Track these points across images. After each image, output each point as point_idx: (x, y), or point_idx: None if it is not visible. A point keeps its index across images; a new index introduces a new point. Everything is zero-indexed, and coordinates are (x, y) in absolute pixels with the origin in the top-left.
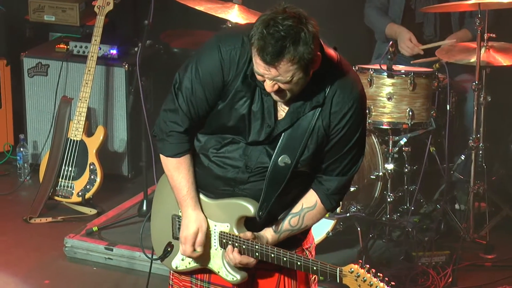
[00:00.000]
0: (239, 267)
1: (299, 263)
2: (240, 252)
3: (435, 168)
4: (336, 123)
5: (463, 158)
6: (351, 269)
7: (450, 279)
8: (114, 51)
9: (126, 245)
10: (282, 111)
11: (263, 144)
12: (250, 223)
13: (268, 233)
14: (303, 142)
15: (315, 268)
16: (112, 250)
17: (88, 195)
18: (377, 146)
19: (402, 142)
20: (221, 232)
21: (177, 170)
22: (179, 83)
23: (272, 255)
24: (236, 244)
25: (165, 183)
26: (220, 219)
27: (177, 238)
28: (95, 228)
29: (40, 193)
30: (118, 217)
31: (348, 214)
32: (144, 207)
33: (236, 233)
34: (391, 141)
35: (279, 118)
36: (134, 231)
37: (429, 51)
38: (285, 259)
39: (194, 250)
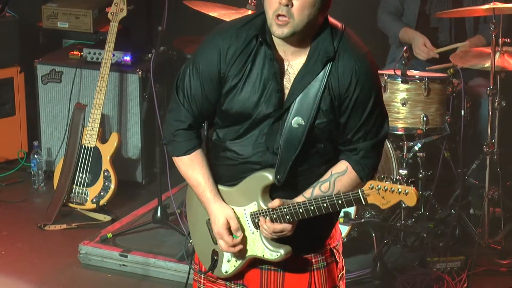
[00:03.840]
0: (279, 242)
1: (325, 204)
2: (272, 221)
3: (449, 174)
4: (346, 85)
5: (477, 163)
6: (371, 185)
7: (465, 285)
8: (127, 58)
9: (140, 252)
10: (288, 83)
11: (276, 115)
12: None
13: (300, 200)
14: (316, 104)
15: (340, 202)
16: (126, 256)
17: (102, 202)
18: (391, 152)
19: (416, 148)
20: (252, 213)
21: (191, 168)
22: (181, 80)
23: (301, 210)
24: (267, 217)
25: (191, 193)
26: (246, 202)
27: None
28: (109, 235)
29: (54, 200)
30: (132, 224)
31: (362, 220)
32: (159, 214)
33: (264, 207)
34: (405, 147)
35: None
36: (149, 237)
37: (444, 57)
38: (312, 208)
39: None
